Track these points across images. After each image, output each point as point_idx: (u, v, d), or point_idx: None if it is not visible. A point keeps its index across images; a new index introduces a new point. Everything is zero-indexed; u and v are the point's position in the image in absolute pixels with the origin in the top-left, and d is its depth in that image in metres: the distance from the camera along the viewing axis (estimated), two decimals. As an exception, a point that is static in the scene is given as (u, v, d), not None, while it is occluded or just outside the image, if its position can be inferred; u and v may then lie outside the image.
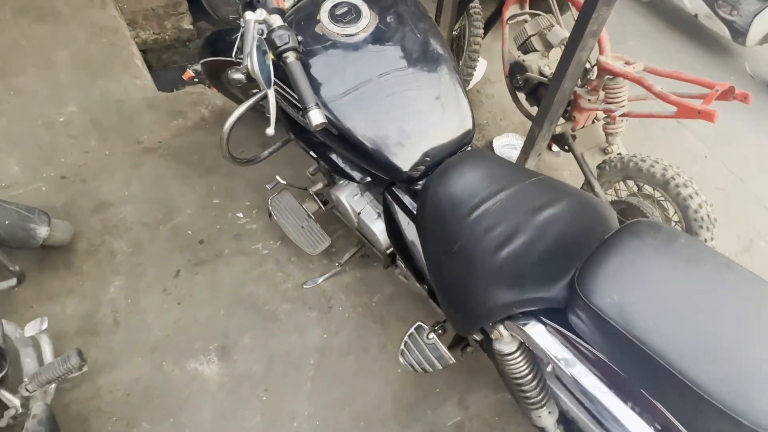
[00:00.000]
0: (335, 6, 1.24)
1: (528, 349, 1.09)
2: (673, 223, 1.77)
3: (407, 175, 1.24)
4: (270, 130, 1.11)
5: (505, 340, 1.07)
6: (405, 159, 1.22)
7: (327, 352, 1.68)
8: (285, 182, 1.84)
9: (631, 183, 1.88)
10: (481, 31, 2.28)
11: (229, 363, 1.63)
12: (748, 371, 0.69)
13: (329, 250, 1.90)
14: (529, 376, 1.10)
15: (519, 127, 2.49)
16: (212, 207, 2.04)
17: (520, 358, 1.08)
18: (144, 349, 1.62)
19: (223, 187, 2.10)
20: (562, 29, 1.90)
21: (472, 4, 2.22)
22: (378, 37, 1.24)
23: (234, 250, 1.91)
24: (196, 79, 2.63)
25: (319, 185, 1.79)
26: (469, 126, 1.29)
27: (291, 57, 1.06)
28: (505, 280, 1.02)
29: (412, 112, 1.22)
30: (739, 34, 2.95)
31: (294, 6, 1.28)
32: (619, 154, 1.90)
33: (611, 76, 1.76)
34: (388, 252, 1.53)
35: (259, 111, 2.11)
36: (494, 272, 1.02)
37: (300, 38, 1.12)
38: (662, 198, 1.77)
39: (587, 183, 1.95)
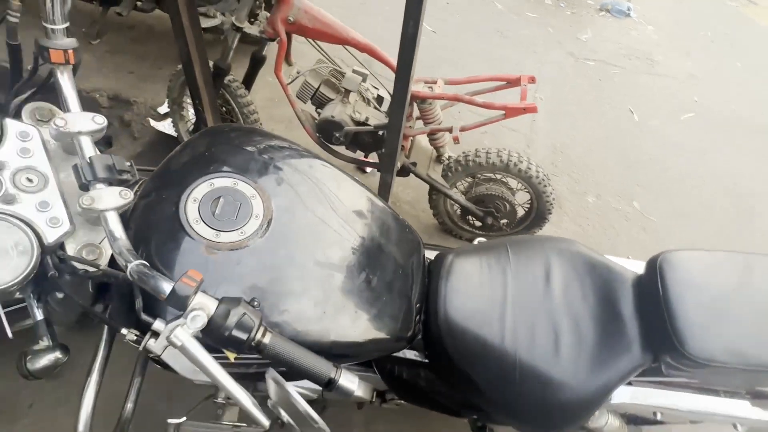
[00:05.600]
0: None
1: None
2: (517, 191, 2.04)
3: (410, 337, 1.04)
4: None
5: (613, 424, 1.06)
6: (404, 325, 1.01)
7: None
8: (184, 418, 1.31)
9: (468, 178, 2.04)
10: (249, 97, 1.98)
11: None
12: None
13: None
14: None
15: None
16: None
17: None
18: None
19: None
20: (353, 74, 1.79)
21: (227, 78, 1.86)
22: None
23: None
24: None
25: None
26: (419, 247, 1.15)
27: (266, 338, 0.68)
28: (584, 373, 0.99)
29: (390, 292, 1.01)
30: None
31: None
32: (449, 156, 2.02)
33: (421, 100, 1.79)
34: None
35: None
36: (572, 371, 0.99)
37: (256, 302, 0.71)
38: (502, 176, 2.00)
39: (438, 192, 2.03)
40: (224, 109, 2.06)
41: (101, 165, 0.76)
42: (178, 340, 0.61)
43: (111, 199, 0.75)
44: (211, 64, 1.80)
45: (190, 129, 2.23)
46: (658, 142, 3.14)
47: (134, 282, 0.67)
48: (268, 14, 1.77)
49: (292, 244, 0.91)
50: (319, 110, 1.92)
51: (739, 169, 3.07)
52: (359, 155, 2.03)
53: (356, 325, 0.93)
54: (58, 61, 0.78)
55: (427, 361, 1.12)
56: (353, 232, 1.00)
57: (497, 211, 2.03)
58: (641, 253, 2.45)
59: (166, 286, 0.65)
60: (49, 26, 0.77)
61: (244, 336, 0.65)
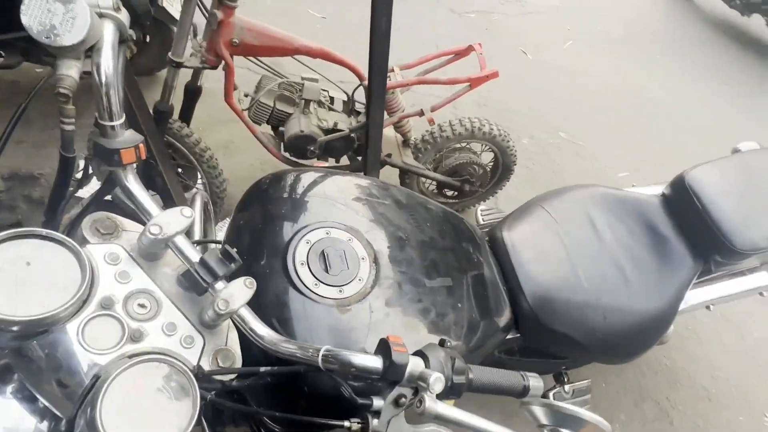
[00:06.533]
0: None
1: None
2: (481, 153, 2.14)
3: (511, 320, 1.09)
4: None
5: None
6: (505, 310, 1.06)
7: None
8: None
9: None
10: (196, 136, 1.79)
11: None
12: None
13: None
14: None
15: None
16: None
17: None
18: None
19: None
20: (311, 83, 1.70)
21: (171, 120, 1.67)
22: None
23: None
24: None
25: None
26: (479, 234, 1.18)
27: (471, 372, 0.68)
28: (656, 294, 1.14)
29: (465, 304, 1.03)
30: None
31: None
32: (415, 139, 2.05)
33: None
34: None
35: None
36: (645, 296, 1.13)
37: (448, 343, 0.69)
38: (466, 144, 2.08)
39: (411, 175, 2.07)
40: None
41: (215, 261, 0.66)
42: (433, 409, 0.58)
43: (241, 294, 0.66)
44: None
45: (127, 186, 1.97)
46: (556, 73, 3.48)
47: (331, 369, 0.61)
48: (200, 41, 1.60)
49: (402, 273, 0.89)
50: (281, 128, 1.81)
51: (628, 78, 3.55)
52: (330, 162, 1.97)
53: (479, 327, 0.95)
54: (130, 162, 0.64)
55: (519, 335, 1.18)
56: (438, 240, 1.00)
57: (471, 176, 2.12)
58: (586, 175, 2.76)
59: (376, 361, 0.61)
60: (108, 123, 0.63)
61: (463, 379, 0.64)
